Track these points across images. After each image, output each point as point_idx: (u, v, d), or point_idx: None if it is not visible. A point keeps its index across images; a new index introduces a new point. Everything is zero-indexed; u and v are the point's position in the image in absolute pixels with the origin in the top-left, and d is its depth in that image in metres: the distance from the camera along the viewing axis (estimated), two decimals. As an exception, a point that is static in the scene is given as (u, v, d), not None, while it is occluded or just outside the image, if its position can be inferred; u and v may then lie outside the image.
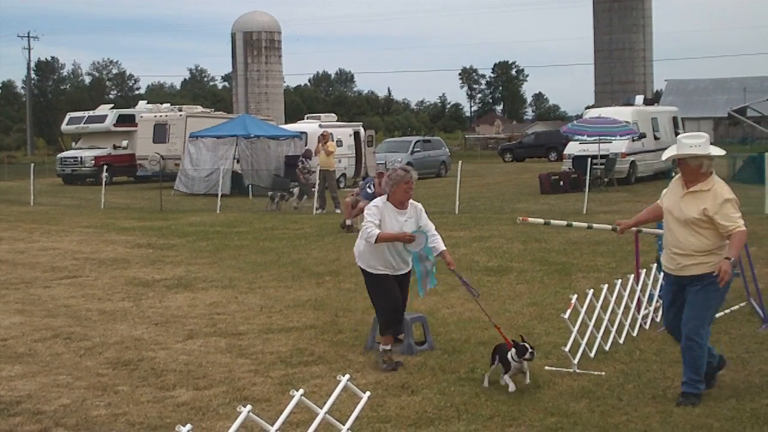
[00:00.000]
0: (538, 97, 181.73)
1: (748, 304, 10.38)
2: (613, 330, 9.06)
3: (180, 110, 40.02)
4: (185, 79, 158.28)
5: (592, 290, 8.87)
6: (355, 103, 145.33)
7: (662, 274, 8.23)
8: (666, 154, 7.46)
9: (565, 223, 9.92)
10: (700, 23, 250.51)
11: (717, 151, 7.35)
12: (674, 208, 7.29)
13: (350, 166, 37.92)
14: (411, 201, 8.77)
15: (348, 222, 20.29)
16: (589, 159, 27.29)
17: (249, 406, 4.79)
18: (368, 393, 5.80)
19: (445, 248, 8.82)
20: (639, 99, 35.80)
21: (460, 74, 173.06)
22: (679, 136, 7.45)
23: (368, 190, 21.32)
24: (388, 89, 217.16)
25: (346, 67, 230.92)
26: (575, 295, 8.53)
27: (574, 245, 16.36)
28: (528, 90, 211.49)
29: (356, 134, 38.76)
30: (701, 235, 7.13)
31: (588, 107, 39.08)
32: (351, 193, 22.08)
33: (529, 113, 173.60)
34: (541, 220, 9.88)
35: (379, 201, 8.78)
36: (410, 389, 7.76)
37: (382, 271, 8.73)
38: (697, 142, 7.20)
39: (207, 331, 10.28)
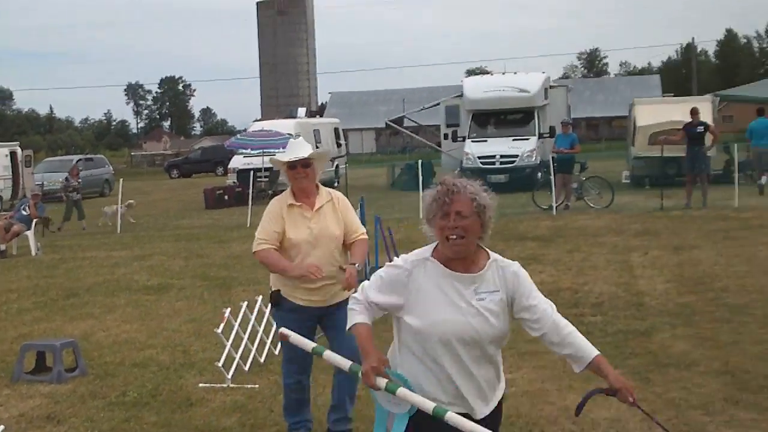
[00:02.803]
0: (206, 112, 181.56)
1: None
2: (268, 341, 9.12)
3: None
4: None
5: (246, 302, 8.90)
6: (15, 122, 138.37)
7: None
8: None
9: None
10: (366, 36, 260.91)
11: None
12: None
13: (7, 188, 36.06)
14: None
15: (1, 247, 19.17)
16: (252, 172, 27.49)
17: None
18: (2, 427, 5.47)
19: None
20: (301, 111, 36.63)
21: (125, 90, 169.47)
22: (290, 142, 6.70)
23: (23, 212, 20.31)
24: (50, 107, 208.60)
25: (3, 84, 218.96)
26: (228, 309, 8.51)
27: (236, 259, 16.40)
28: (196, 105, 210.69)
29: (13, 154, 36.94)
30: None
31: (255, 120, 39.48)
32: (4, 216, 20.91)
33: (198, 128, 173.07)
34: (308, 345, 9.00)
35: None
36: (56, 419, 7.39)
37: None
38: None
39: None
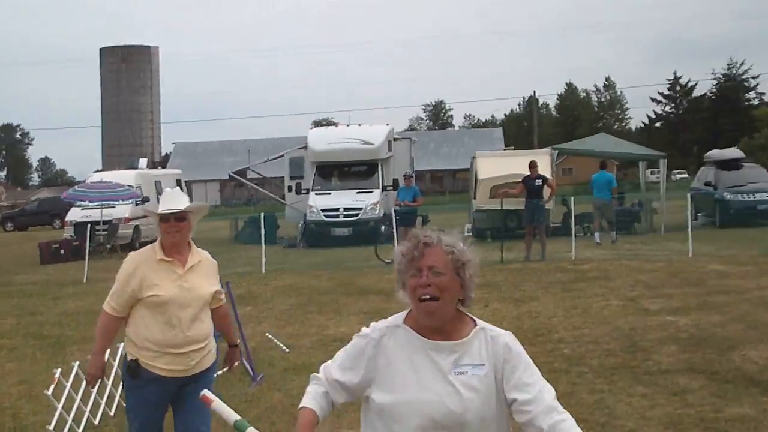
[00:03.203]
0: (45, 162, 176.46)
1: (241, 364, 10.62)
2: (103, 402, 8.79)
3: None
4: None
5: (78, 362, 8.56)
6: None
7: None
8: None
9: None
10: (212, 85, 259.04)
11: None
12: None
13: None
14: None
15: None
16: (90, 225, 26.72)
17: None
18: None
19: None
20: (143, 162, 35.92)
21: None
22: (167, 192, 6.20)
23: None
24: None
25: None
26: (59, 369, 8.17)
27: (71, 316, 15.82)
28: (34, 154, 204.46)
29: None
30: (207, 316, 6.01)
31: (96, 171, 38.53)
32: None
33: (36, 178, 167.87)
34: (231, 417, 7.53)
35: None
36: None
37: None
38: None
39: None
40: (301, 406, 3.40)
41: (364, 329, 3.44)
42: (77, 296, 18.00)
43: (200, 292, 5.84)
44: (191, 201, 6.05)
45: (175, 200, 5.88)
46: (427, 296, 3.23)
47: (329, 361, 3.50)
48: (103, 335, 5.92)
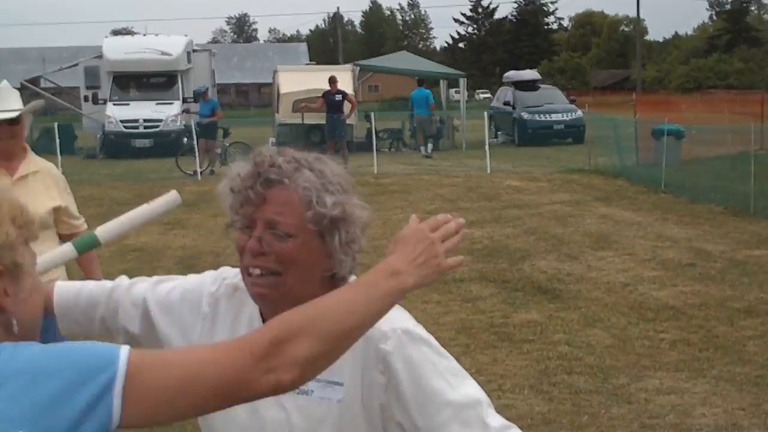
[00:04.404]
0: None
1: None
2: None
3: None
4: None
5: None
6: None
7: None
8: None
9: None
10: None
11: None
12: None
13: None
14: None
15: None
16: None
17: None
18: None
19: None
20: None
21: None
22: None
23: None
24: None
25: None
26: None
27: None
28: None
29: None
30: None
31: None
32: None
33: None
34: None
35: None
36: None
37: None
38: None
39: None
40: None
41: (211, 273, 2.22)
42: None
43: (30, 209, 4.56)
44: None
45: (5, 100, 4.78)
46: (258, 271, 1.95)
47: (143, 278, 2.27)
48: None
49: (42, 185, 4.80)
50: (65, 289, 2.25)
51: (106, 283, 2.27)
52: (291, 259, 1.93)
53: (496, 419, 1.98)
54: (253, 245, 1.94)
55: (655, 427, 5.74)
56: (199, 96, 24.45)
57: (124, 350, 1.52)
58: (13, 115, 4.68)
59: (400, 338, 1.97)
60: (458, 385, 1.98)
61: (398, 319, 1.99)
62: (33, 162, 4.89)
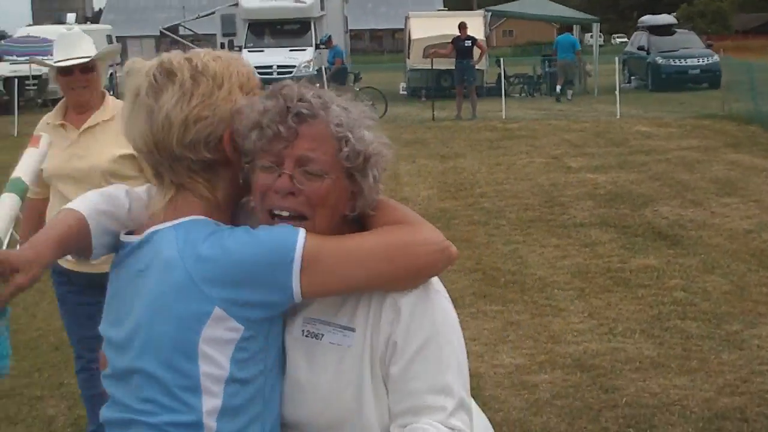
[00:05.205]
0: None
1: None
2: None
3: None
4: None
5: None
6: None
7: None
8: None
9: None
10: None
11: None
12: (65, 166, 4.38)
13: None
14: None
15: None
16: (17, 80, 26.23)
17: None
18: None
19: None
20: (71, 17, 34.95)
21: None
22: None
23: None
24: None
25: None
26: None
27: (2, 170, 15.74)
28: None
29: None
30: None
31: (30, 26, 37.52)
32: None
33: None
34: None
35: None
36: None
37: None
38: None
39: None
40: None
41: None
42: (7, 150, 17.78)
43: (94, 160, 4.33)
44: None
45: (76, 45, 4.46)
46: (286, 213, 1.86)
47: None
48: (25, 221, 4.56)
49: (114, 132, 4.12)
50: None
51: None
52: (322, 200, 1.86)
53: (460, 421, 1.86)
54: (285, 183, 1.84)
55: (765, 374, 5.74)
56: (322, 44, 24.87)
57: (301, 236, 1.83)
58: (85, 60, 4.38)
59: (419, 294, 1.90)
60: (445, 370, 1.88)
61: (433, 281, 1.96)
62: (108, 109, 4.47)
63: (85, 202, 1.98)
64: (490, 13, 30.56)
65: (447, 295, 1.98)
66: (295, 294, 1.82)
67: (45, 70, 29.21)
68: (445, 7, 76.70)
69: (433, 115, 21.64)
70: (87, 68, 4.41)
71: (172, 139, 1.88)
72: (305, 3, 30.85)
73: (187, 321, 1.81)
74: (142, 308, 1.86)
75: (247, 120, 1.87)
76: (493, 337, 6.51)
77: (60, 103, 4.55)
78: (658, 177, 12.83)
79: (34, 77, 28.83)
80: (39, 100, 28.85)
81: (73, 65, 4.36)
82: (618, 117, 20.68)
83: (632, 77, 31.36)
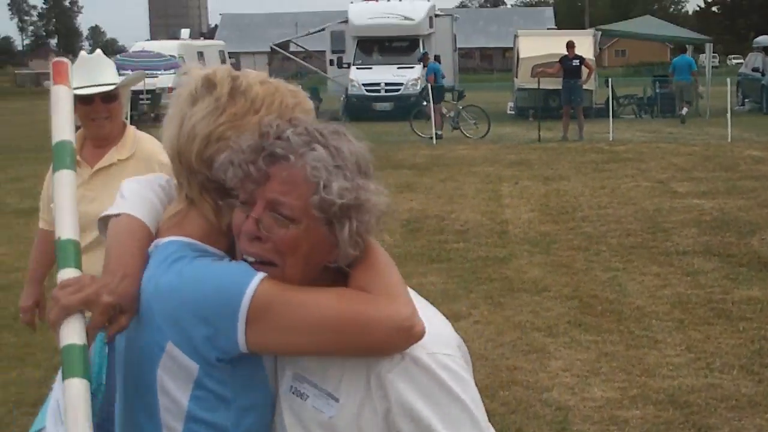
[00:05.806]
0: (95, 30, 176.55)
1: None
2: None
3: None
4: None
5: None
6: None
7: None
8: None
9: None
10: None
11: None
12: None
13: None
14: None
15: None
16: (133, 94, 26.98)
17: None
18: None
19: None
20: (185, 33, 35.90)
21: (9, 5, 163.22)
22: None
23: None
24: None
25: None
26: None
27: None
28: (84, 23, 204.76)
29: None
30: None
31: (147, 41, 38.61)
32: None
33: (87, 47, 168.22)
34: None
35: None
36: None
37: None
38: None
39: None
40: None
41: None
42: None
43: (106, 204, 3.47)
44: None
45: (97, 71, 4.05)
46: (252, 259, 1.74)
47: None
48: (36, 256, 4.32)
49: (129, 175, 3.15)
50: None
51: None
52: (290, 248, 1.70)
53: None
54: (250, 228, 1.71)
55: None
56: (419, 61, 25.02)
57: (253, 283, 1.68)
58: (109, 89, 4.00)
59: (407, 367, 1.69)
60: None
61: (423, 343, 1.71)
62: (127, 146, 4.07)
63: (146, 206, 1.93)
64: (600, 33, 30.20)
65: (446, 350, 1.75)
66: (240, 345, 1.69)
67: (159, 84, 30.21)
68: (555, 25, 76.21)
69: (539, 135, 21.49)
70: (110, 97, 4.04)
71: (192, 151, 1.79)
72: (414, 20, 31.08)
73: (148, 350, 1.76)
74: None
75: (225, 156, 1.73)
76: (586, 368, 6.41)
77: (77, 134, 3.74)
78: (766, 204, 12.48)
79: (148, 91, 29.64)
80: (152, 114, 29.62)
81: (95, 93, 3.97)
82: (729, 141, 20.20)
83: (746, 99, 30.66)
